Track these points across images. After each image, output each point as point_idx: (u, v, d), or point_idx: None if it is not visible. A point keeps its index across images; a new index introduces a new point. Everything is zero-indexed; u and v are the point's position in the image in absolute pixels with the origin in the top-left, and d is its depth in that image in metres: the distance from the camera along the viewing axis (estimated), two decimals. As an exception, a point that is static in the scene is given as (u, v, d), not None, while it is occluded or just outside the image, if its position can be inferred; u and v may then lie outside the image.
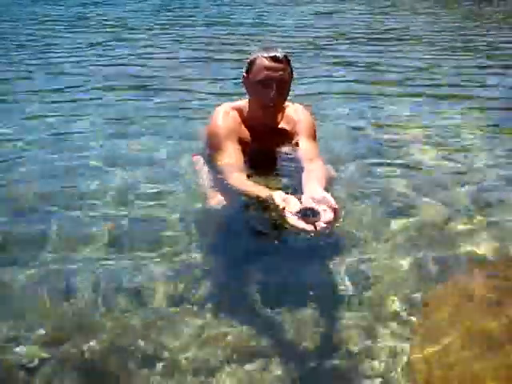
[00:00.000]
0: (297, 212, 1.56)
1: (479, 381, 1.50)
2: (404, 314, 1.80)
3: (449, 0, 9.49)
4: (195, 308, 1.84)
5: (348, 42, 6.40)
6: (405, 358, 1.61)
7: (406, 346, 1.65)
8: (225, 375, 1.56)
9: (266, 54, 2.15)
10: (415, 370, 1.56)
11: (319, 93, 4.30)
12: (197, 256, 2.11)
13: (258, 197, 1.87)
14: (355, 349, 1.66)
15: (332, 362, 1.61)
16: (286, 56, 2.18)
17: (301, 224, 1.53)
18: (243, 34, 6.75)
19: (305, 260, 2.10)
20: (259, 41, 6.08)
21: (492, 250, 2.16)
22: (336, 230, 2.20)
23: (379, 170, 2.91)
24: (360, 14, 8.30)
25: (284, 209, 1.60)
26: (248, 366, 1.60)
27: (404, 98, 4.19)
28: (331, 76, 4.82)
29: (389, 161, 3.01)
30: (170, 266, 2.05)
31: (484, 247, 2.18)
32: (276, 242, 2.14)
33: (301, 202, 1.62)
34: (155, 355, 1.63)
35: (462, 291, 1.92)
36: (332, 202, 1.60)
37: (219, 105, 2.38)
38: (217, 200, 2.20)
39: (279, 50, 2.19)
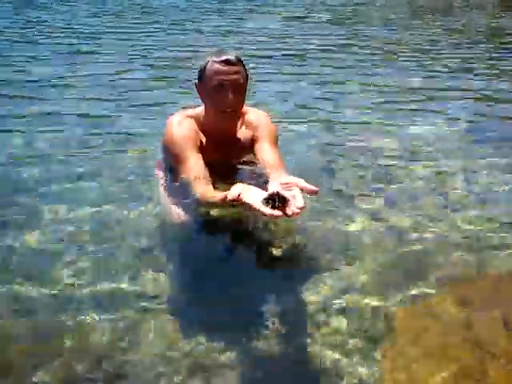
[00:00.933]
0: (264, 199, 1.47)
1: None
2: (374, 335, 1.72)
3: (418, 12, 9.49)
4: (159, 325, 1.77)
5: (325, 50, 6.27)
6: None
7: (376, 369, 1.58)
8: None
9: (217, 58, 2.03)
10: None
11: (284, 100, 4.17)
12: (160, 274, 2.02)
13: (223, 200, 1.75)
14: (326, 373, 1.58)
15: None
16: (238, 58, 2.06)
17: (267, 210, 1.45)
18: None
19: (272, 274, 2.04)
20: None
21: (462, 266, 2.10)
22: (306, 245, 2.17)
23: (346, 178, 2.80)
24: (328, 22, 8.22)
25: (239, 196, 1.54)
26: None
27: (373, 107, 4.08)
28: (298, 84, 4.68)
29: (360, 171, 2.90)
30: (134, 282, 1.97)
31: (454, 263, 2.11)
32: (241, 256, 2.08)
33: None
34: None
35: (430, 310, 1.85)
36: (301, 182, 1.54)
37: (172, 114, 2.26)
38: (178, 216, 2.09)
39: (231, 52, 2.09)
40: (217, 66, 2.01)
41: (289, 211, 1.44)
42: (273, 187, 1.53)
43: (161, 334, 1.72)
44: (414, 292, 1.92)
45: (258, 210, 1.46)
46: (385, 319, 1.78)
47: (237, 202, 1.58)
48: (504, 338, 1.67)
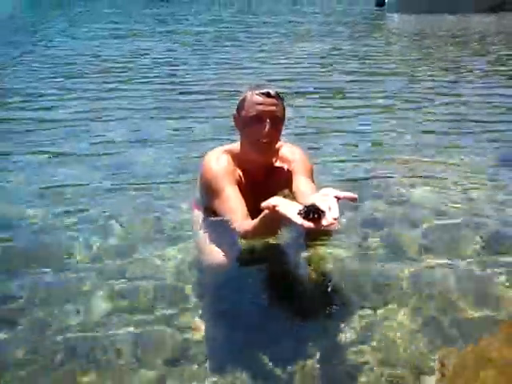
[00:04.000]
0: (300, 210, 1.48)
1: None
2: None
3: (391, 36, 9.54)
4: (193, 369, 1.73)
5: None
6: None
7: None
8: None
9: (257, 91, 2.12)
10: None
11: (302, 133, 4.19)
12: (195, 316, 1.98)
13: (260, 223, 1.78)
14: None
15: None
16: (277, 93, 2.14)
17: (302, 221, 1.45)
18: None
19: (309, 313, 1.97)
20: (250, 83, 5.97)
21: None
22: (337, 284, 2.10)
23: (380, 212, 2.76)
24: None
25: (275, 207, 1.55)
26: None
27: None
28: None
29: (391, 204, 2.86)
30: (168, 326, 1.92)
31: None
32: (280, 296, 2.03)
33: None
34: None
35: (480, 354, 1.75)
36: (338, 192, 1.54)
37: (209, 150, 2.31)
38: (217, 257, 2.07)
39: (271, 86, 2.16)
40: (257, 97, 2.09)
41: (325, 222, 1.44)
42: (309, 200, 1.53)
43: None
44: (461, 335, 1.85)
45: (293, 222, 1.47)
46: (436, 366, 1.70)
47: (272, 214, 1.60)
48: None
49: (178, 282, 2.17)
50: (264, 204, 1.61)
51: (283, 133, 2.21)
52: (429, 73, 6.67)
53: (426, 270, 2.22)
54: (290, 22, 11.05)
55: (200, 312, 1.98)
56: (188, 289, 2.12)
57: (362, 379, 1.66)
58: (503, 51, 7.90)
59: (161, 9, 18.80)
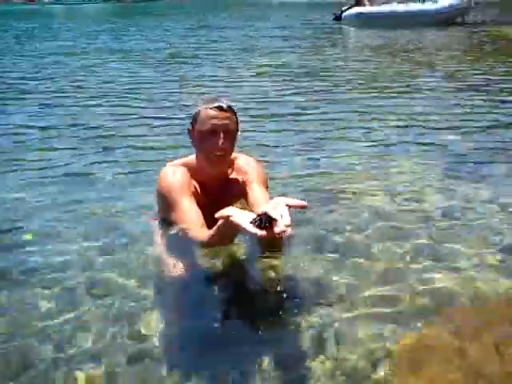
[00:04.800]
0: (252, 219, 1.57)
1: None
2: (373, 369, 1.76)
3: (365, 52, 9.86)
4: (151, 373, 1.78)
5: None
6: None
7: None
8: None
9: (210, 105, 2.19)
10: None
11: (264, 145, 4.33)
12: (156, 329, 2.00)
13: (216, 232, 1.86)
14: None
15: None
16: (230, 106, 2.22)
17: (254, 229, 1.53)
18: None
19: (265, 317, 2.04)
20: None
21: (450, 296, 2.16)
22: (293, 289, 2.21)
23: (335, 220, 2.88)
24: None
25: (229, 217, 1.63)
26: None
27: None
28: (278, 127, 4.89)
29: (345, 210, 3.00)
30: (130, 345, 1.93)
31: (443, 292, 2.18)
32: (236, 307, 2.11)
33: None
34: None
35: (427, 341, 1.89)
36: (288, 200, 1.62)
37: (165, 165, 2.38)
38: (175, 266, 2.14)
39: (223, 99, 2.23)
40: (210, 111, 2.17)
41: (277, 229, 1.52)
42: (262, 209, 1.61)
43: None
44: (410, 324, 1.98)
45: (247, 231, 1.55)
46: (384, 353, 1.83)
47: (226, 223, 1.69)
48: (496, 362, 1.74)
49: (141, 290, 2.22)
50: (218, 214, 1.69)
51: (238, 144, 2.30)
52: (383, 84, 6.92)
53: (374, 271, 2.35)
54: (247, 36, 11.24)
55: (160, 318, 2.04)
56: (149, 297, 2.18)
57: (318, 373, 1.76)
58: (453, 65, 8.23)
59: (116, 24, 18.78)
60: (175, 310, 2.11)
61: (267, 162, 3.71)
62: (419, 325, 1.96)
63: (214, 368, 1.79)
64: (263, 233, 1.52)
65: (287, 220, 1.54)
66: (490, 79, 6.81)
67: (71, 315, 2.06)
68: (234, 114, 2.24)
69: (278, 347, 1.88)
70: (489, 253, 2.51)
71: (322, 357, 1.82)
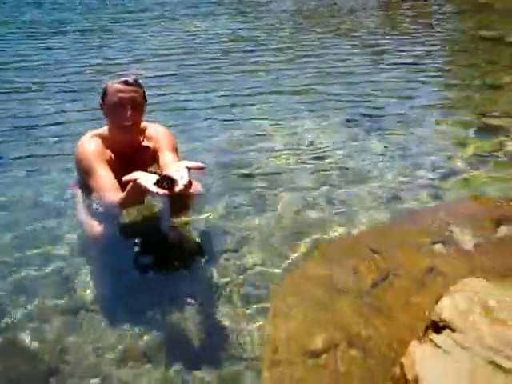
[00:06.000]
0: (156, 181, 1.84)
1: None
2: (259, 300, 2.23)
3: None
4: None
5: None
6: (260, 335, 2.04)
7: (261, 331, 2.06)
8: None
9: (117, 80, 2.42)
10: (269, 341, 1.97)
11: (184, 108, 4.57)
12: (83, 286, 2.37)
13: (127, 195, 2.13)
14: (224, 335, 2.06)
15: (210, 348, 2.02)
16: (135, 80, 2.46)
17: (156, 189, 1.81)
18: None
19: (181, 266, 2.47)
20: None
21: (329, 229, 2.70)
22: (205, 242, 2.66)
23: (245, 180, 3.28)
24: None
25: (136, 180, 1.90)
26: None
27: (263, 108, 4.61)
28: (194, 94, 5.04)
29: (254, 170, 3.40)
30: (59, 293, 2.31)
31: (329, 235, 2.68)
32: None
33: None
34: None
35: (304, 271, 2.37)
36: (188, 163, 1.90)
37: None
38: (96, 229, 2.39)
39: (130, 75, 2.48)
40: (117, 85, 2.41)
41: (177, 189, 1.81)
42: (164, 172, 1.89)
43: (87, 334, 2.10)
44: (293, 257, 2.47)
45: (151, 191, 1.83)
46: (270, 284, 2.29)
47: (134, 186, 1.97)
48: (352, 280, 2.23)
49: (70, 253, 2.58)
50: (126, 178, 1.96)
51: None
52: (292, 51, 7.14)
53: (278, 221, 2.82)
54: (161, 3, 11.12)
55: (90, 276, 2.41)
56: (78, 258, 2.53)
57: (222, 308, 2.19)
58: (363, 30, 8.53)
59: None
60: (101, 267, 2.46)
61: (180, 125, 4.03)
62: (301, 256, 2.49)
63: (137, 311, 2.19)
64: (165, 192, 1.82)
65: (185, 180, 1.84)
66: (392, 42, 7.20)
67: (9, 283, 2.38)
68: (140, 87, 2.49)
69: (188, 289, 2.31)
70: (372, 193, 3.05)
71: (223, 296, 2.27)
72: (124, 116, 2.39)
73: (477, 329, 1.67)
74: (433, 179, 3.23)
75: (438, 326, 1.74)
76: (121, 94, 2.39)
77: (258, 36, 7.43)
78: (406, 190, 3.09)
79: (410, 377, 1.58)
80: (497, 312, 1.73)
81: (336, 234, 2.64)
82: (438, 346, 1.64)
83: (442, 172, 3.32)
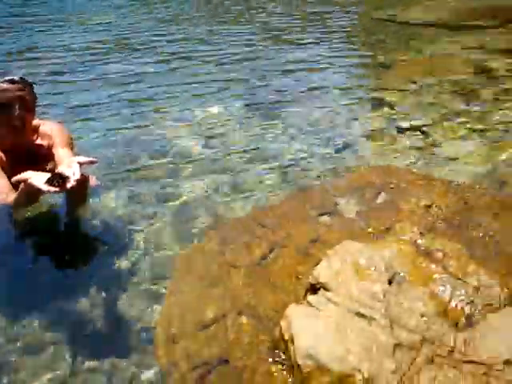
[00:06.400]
0: (47, 179, 1.87)
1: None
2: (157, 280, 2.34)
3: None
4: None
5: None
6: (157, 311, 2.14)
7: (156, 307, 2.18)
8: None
9: (1, 80, 2.37)
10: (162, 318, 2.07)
11: (82, 105, 4.50)
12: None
13: (20, 195, 2.14)
14: (125, 320, 2.13)
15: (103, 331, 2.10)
16: (22, 78, 2.43)
17: (47, 187, 1.85)
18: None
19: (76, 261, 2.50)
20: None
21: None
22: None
23: (147, 170, 3.34)
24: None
25: (26, 180, 1.93)
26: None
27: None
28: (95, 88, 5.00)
29: (155, 159, 3.45)
30: None
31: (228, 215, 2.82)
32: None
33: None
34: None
35: (201, 250, 2.51)
36: (80, 158, 1.95)
37: None
38: None
39: (16, 75, 2.45)
40: (1, 85, 2.36)
41: (68, 185, 1.86)
42: (57, 169, 1.91)
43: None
44: (191, 238, 2.59)
45: (43, 190, 1.87)
46: (168, 266, 2.40)
47: (26, 186, 1.98)
48: (244, 254, 2.37)
49: None
50: (15, 178, 1.97)
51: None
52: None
53: (171, 206, 2.93)
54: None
55: None
56: None
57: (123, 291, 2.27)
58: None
59: None
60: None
61: (79, 121, 4.02)
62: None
63: (39, 304, 2.23)
64: (56, 189, 1.85)
65: (77, 176, 1.89)
66: (292, 26, 7.39)
67: None
68: (29, 85, 2.46)
69: (89, 277, 2.37)
70: (271, 172, 3.24)
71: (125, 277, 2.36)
72: (13, 116, 2.37)
73: (347, 286, 1.85)
74: (328, 154, 3.44)
75: (315, 288, 1.91)
76: (7, 94, 2.35)
77: (162, 27, 7.40)
78: (302, 167, 3.28)
79: (286, 336, 1.73)
80: (365, 269, 1.92)
81: (233, 214, 2.77)
82: (312, 306, 1.81)
83: (336, 147, 3.54)
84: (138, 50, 6.14)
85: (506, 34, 5.90)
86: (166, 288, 2.23)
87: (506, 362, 1.54)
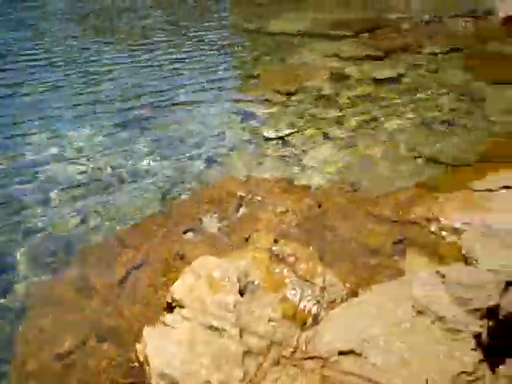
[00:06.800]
0: None
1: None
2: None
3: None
4: None
5: None
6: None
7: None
8: None
9: None
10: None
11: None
12: None
13: None
14: None
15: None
16: None
17: None
18: None
19: None
20: None
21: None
22: None
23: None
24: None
25: None
26: None
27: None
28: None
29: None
30: None
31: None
32: None
33: None
34: None
35: None
36: None
37: None
38: None
39: None
40: None
41: None
42: None
43: None
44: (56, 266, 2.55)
45: None
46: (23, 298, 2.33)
47: None
48: (105, 275, 2.36)
49: None
50: None
51: None
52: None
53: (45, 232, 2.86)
54: None
55: None
56: None
57: None
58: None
59: None
60: None
61: None
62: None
63: None
64: None
65: None
66: (166, 40, 7.43)
67: None
68: None
69: None
70: (143, 191, 3.26)
71: None
72: None
73: (200, 300, 1.92)
74: (195, 168, 3.53)
75: (171, 306, 1.96)
76: None
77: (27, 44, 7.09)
78: (170, 182, 3.33)
79: (141, 358, 1.77)
80: (219, 282, 2.00)
81: (91, 236, 2.77)
82: (167, 325, 1.86)
83: (202, 161, 3.64)
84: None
85: (358, 43, 6.37)
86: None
87: (341, 353, 1.69)
